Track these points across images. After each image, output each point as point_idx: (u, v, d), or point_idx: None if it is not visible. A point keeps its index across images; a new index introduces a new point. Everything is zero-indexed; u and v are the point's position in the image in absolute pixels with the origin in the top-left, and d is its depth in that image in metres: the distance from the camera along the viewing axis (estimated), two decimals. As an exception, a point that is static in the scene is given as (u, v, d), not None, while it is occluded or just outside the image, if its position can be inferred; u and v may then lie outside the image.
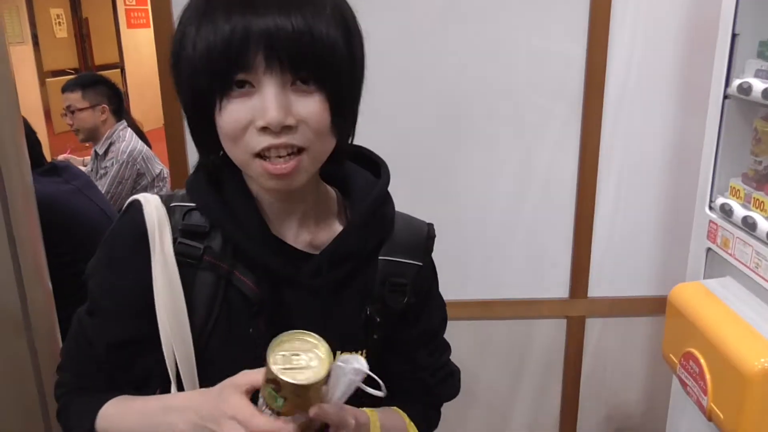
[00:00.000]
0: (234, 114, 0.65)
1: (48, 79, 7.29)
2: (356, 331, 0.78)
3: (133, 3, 9.11)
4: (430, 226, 0.85)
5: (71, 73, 7.75)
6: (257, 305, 0.73)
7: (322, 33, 0.63)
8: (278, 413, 0.62)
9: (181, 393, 0.74)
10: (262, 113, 0.64)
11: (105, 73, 8.10)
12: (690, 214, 1.51)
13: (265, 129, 0.64)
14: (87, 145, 2.90)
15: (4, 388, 1.44)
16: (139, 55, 9.06)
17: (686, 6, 1.60)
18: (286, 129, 0.65)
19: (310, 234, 0.78)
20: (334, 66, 0.65)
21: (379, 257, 0.79)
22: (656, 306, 1.72)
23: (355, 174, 0.81)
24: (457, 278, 1.76)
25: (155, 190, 2.83)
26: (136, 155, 2.73)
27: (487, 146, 1.69)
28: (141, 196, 0.75)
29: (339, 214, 0.81)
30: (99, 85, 2.75)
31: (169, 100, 1.63)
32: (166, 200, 0.75)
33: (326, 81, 0.66)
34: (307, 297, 0.75)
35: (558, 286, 1.81)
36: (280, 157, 0.66)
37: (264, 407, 0.62)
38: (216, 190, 0.74)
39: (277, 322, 0.70)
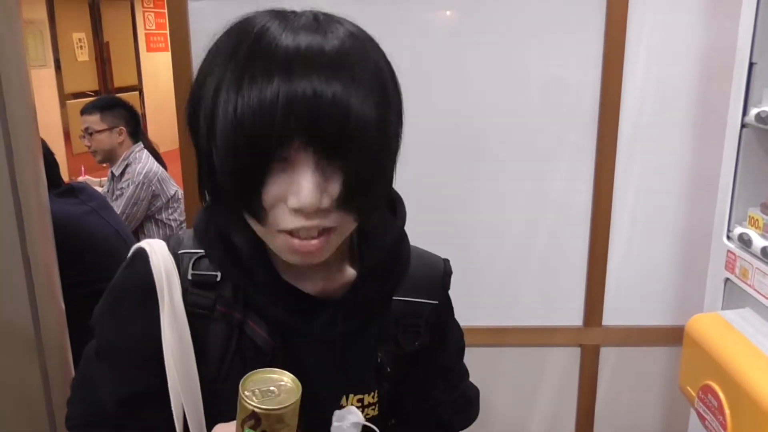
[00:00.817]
0: (265, 188, 0.59)
1: (68, 101, 7.42)
2: (369, 374, 0.75)
3: (153, 27, 9.31)
4: (446, 262, 0.82)
5: (91, 96, 7.89)
6: (270, 355, 0.70)
7: (358, 110, 0.57)
8: None
9: None
10: (296, 192, 0.59)
11: (124, 95, 8.23)
12: (707, 243, 1.49)
13: (297, 210, 0.60)
14: (104, 166, 2.94)
15: (14, 406, 1.44)
16: (157, 78, 9.22)
17: (702, 34, 1.60)
18: (319, 211, 0.60)
19: (322, 280, 0.73)
20: (364, 146, 0.59)
21: (394, 298, 0.76)
22: (673, 336, 1.69)
23: None
24: (469, 305, 1.73)
25: (170, 211, 2.85)
26: (151, 177, 2.76)
27: (500, 172, 1.69)
28: (146, 244, 0.72)
29: (352, 256, 0.77)
30: (117, 107, 2.80)
31: (184, 122, 1.64)
32: (173, 246, 0.72)
33: (356, 159, 0.59)
34: (320, 347, 0.73)
35: (572, 314, 1.78)
36: (309, 236, 0.62)
37: None
38: (225, 241, 0.70)
39: (291, 371, 0.65)
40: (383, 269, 0.74)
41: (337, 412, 0.63)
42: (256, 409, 0.58)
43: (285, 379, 0.62)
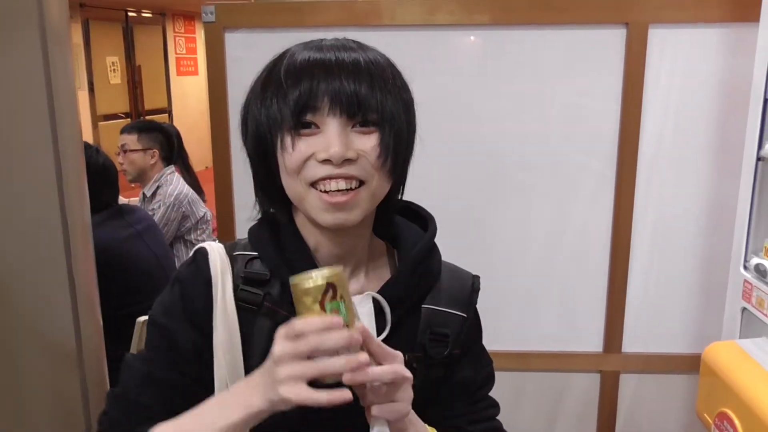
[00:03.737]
0: (298, 148, 0.71)
1: (101, 123, 7.65)
2: None
3: (183, 52, 9.57)
4: (476, 278, 0.88)
5: (122, 117, 8.12)
6: None
7: (381, 89, 0.72)
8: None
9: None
10: (325, 147, 0.70)
11: (153, 117, 8.48)
12: (725, 272, 1.52)
13: (326, 161, 0.70)
14: (132, 186, 3.05)
15: (54, 416, 1.50)
16: (186, 101, 9.45)
17: (719, 69, 1.65)
18: (346, 162, 0.71)
19: (359, 284, 0.82)
20: (390, 112, 0.73)
21: (423, 305, 0.82)
22: (692, 363, 1.70)
23: (404, 227, 0.86)
24: (490, 329, 1.75)
25: (198, 232, 2.95)
26: (182, 198, 2.86)
27: (521, 198, 1.74)
28: (207, 245, 0.80)
29: (388, 265, 0.85)
30: (155, 131, 2.91)
31: (218, 143, 1.72)
32: (229, 249, 0.81)
33: (384, 124, 0.72)
34: None
35: (592, 340, 1.81)
36: (339, 190, 0.71)
37: None
38: (276, 241, 0.80)
39: None
40: (414, 272, 0.81)
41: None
42: (329, 280, 0.64)
43: (318, 268, 0.68)
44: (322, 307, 0.64)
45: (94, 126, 7.65)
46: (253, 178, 0.80)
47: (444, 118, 1.69)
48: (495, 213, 1.75)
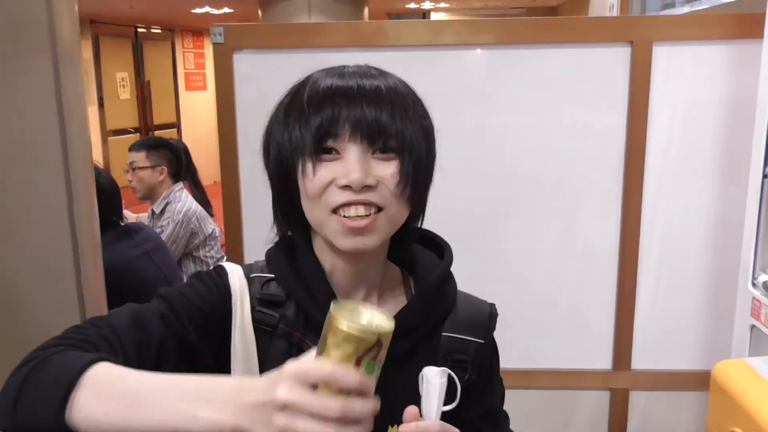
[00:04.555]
0: (319, 173, 0.73)
1: (110, 138, 7.72)
2: (417, 406, 0.80)
3: (192, 67, 9.66)
4: (492, 305, 0.90)
5: (132, 132, 8.20)
6: None
7: (402, 116, 0.74)
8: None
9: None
10: (346, 173, 0.71)
11: (162, 132, 8.55)
12: (734, 288, 1.52)
13: (346, 187, 0.71)
14: (139, 201, 3.07)
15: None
16: (194, 116, 9.52)
17: (724, 84, 1.65)
18: (366, 188, 0.72)
19: (375, 306, 0.82)
20: (410, 139, 0.74)
21: (442, 334, 0.83)
22: (702, 381, 1.69)
23: (420, 254, 0.87)
24: (498, 346, 1.78)
25: (207, 249, 2.96)
26: (191, 215, 2.88)
27: (528, 215, 1.74)
28: (226, 265, 0.81)
29: (402, 291, 0.86)
30: (163, 148, 2.94)
31: (227, 161, 1.74)
32: (246, 271, 0.82)
33: (404, 151, 0.74)
34: None
35: (601, 358, 1.80)
36: (358, 216, 0.72)
37: None
38: (292, 263, 0.81)
39: None
40: (430, 299, 0.83)
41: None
42: (381, 337, 0.53)
43: (366, 307, 0.58)
44: (358, 363, 0.54)
45: (104, 141, 7.73)
46: (273, 201, 0.81)
47: (450, 136, 1.69)
48: (502, 229, 1.75)
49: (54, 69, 1.39)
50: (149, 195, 2.96)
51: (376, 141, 0.73)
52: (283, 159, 0.76)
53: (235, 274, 0.80)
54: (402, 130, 0.73)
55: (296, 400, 0.54)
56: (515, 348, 1.80)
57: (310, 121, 0.73)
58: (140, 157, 2.90)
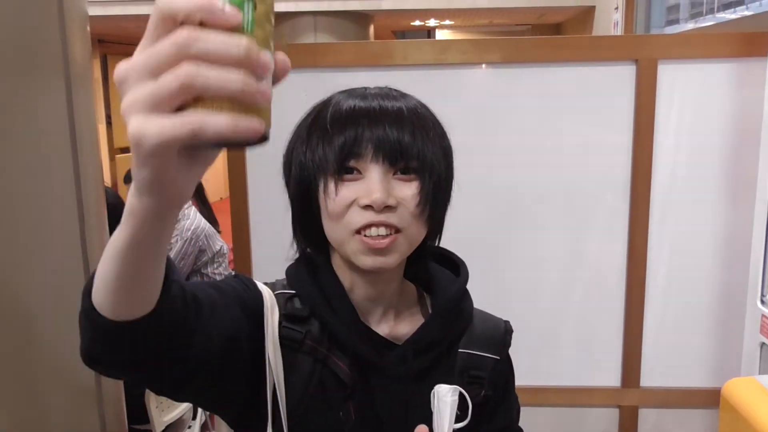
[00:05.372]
0: (341, 193, 0.73)
1: (117, 156, 7.78)
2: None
3: (199, 85, 9.74)
4: (507, 322, 0.90)
5: (139, 150, 8.26)
6: (351, 388, 0.77)
7: (423, 138, 0.75)
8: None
9: None
10: (368, 193, 0.72)
11: (169, 149, 8.61)
12: (742, 304, 1.52)
13: (368, 207, 0.72)
14: None
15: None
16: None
17: (729, 102, 1.66)
18: (386, 209, 0.73)
19: (389, 326, 0.83)
20: (431, 160, 0.75)
21: (459, 350, 0.84)
22: (712, 398, 1.69)
23: (436, 272, 0.88)
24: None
25: (215, 266, 2.97)
26: (199, 233, 2.89)
27: (536, 232, 1.75)
28: (255, 281, 0.81)
29: (419, 309, 0.87)
30: None
31: (235, 179, 1.75)
32: (269, 288, 0.82)
33: (424, 172, 0.75)
34: (390, 384, 0.80)
35: (609, 375, 1.80)
36: (379, 236, 0.73)
37: None
38: (314, 280, 0.81)
39: (364, 407, 0.75)
40: (447, 316, 0.83)
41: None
42: None
43: None
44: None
45: (111, 158, 7.79)
46: (293, 219, 0.82)
47: (457, 154, 1.70)
48: (509, 247, 1.76)
49: (67, 90, 1.42)
50: None
51: (398, 161, 0.74)
52: (305, 178, 0.77)
53: (265, 290, 0.80)
54: (423, 151, 0.74)
55: (129, 65, 0.41)
56: (523, 365, 1.77)
57: (333, 140, 0.74)
58: None
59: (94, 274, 0.56)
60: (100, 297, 0.55)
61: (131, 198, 0.47)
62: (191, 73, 0.38)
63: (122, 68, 0.41)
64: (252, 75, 0.39)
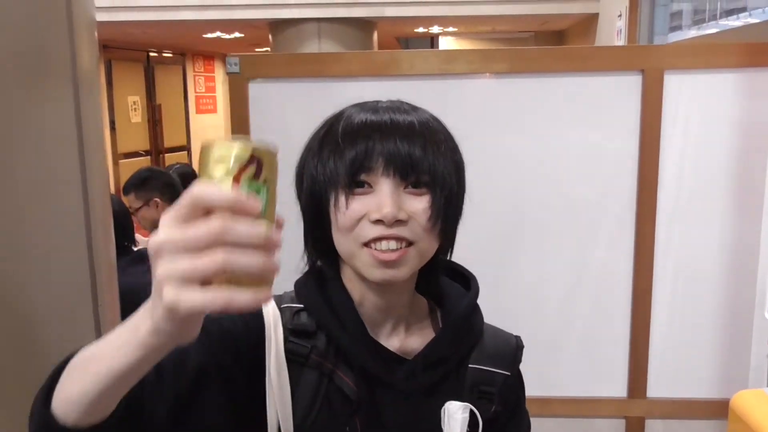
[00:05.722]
0: (352, 207, 0.73)
1: (121, 161, 7.79)
2: None
3: (203, 91, 9.76)
4: (518, 338, 0.90)
5: (143, 155, 8.27)
6: (356, 403, 0.77)
7: (434, 151, 0.75)
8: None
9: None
10: (378, 208, 0.72)
11: (173, 155, 8.61)
12: (750, 316, 1.51)
13: (378, 221, 0.72)
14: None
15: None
16: (205, 138, 9.59)
17: (735, 112, 1.66)
18: (397, 223, 0.72)
19: (400, 340, 0.83)
20: (442, 174, 0.75)
21: (469, 365, 0.83)
22: (719, 409, 1.68)
23: (447, 286, 0.87)
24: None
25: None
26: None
27: (541, 242, 1.75)
28: None
29: (429, 323, 0.86)
30: (147, 181, 2.80)
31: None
32: (276, 301, 0.82)
33: (435, 186, 0.75)
34: (399, 399, 0.80)
35: (616, 385, 1.79)
36: (390, 249, 0.73)
37: None
38: (322, 293, 0.81)
39: (371, 422, 0.75)
40: (458, 331, 0.83)
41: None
42: (255, 153, 0.47)
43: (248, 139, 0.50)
44: (237, 183, 0.47)
45: (115, 164, 7.80)
46: (304, 232, 0.82)
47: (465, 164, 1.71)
48: (515, 257, 1.75)
49: (74, 96, 1.42)
50: (157, 228, 2.93)
51: (409, 175, 0.74)
52: (316, 191, 0.77)
53: (267, 305, 0.80)
54: (434, 165, 0.74)
55: (164, 238, 0.48)
56: (529, 375, 1.77)
57: (344, 154, 0.74)
58: (132, 199, 2.83)
59: (53, 380, 0.58)
60: (67, 408, 0.57)
61: (145, 335, 0.52)
62: (226, 258, 0.46)
63: (157, 241, 0.48)
64: (268, 254, 0.47)
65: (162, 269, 0.48)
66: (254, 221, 0.47)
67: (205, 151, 0.49)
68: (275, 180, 0.50)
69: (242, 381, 0.75)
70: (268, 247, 0.47)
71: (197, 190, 0.47)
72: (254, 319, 0.78)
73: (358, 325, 0.79)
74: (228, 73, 1.73)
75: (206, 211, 0.47)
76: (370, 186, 0.74)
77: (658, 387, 1.78)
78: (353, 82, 1.69)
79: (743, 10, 4.28)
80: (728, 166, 1.68)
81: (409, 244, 0.74)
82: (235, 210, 0.47)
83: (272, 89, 1.73)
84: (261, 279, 0.47)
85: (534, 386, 1.78)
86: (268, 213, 0.49)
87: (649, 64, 1.64)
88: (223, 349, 0.73)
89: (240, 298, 0.47)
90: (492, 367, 0.84)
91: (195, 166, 3.32)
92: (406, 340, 0.83)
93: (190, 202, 0.47)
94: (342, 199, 0.74)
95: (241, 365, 0.75)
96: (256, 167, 0.48)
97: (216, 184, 0.47)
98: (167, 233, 0.48)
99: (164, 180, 2.92)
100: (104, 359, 0.55)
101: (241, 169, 0.47)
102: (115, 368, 0.53)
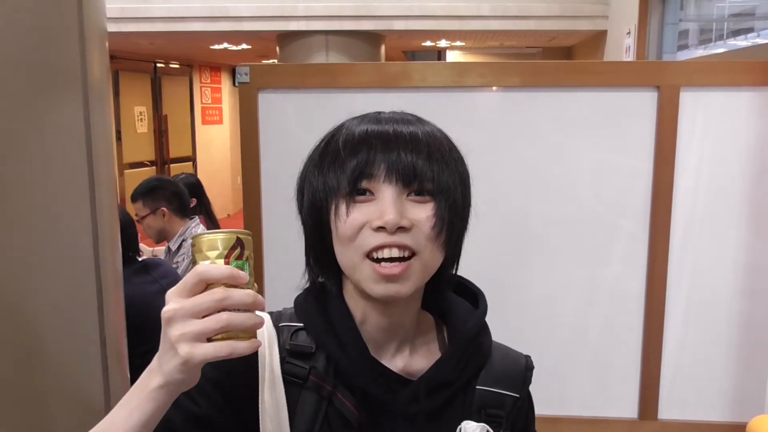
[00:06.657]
0: (353, 215, 0.71)
1: (126, 171, 7.80)
2: None
3: (209, 102, 9.80)
4: (528, 357, 0.87)
5: (148, 166, 8.28)
6: (357, 428, 0.75)
7: (438, 160, 0.73)
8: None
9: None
10: (380, 215, 0.70)
11: (178, 165, 8.63)
12: (766, 336, 1.48)
13: (380, 229, 0.70)
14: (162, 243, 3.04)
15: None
16: (210, 149, 9.63)
17: (751, 130, 1.64)
18: (400, 230, 0.70)
19: (404, 360, 0.79)
20: (446, 183, 0.73)
21: (477, 387, 0.80)
22: (733, 433, 1.65)
23: (454, 303, 0.84)
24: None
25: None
26: (205, 250, 2.86)
27: (552, 259, 1.72)
28: None
29: (435, 341, 0.83)
30: (155, 190, 2.84)
31: (250, 200, 1.73)
32: (275, 319, 0.80)
33: (439, 195, 0.72)
34: (402, 423, 0.77)
35: (626, 406, 1.75)
36: (392, 260, 0.70)
37: None
38: (322, 312, 0.78)
39: None
40: (465, 352, 0.80)
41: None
42: (239, 236, 0.63)
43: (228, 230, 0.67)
44: (227, 262, 0.63)
45: (120, 174, 7.81)
46: (306, 247, 0.79)
47: (474, 178, 1.69)
48: (525, 273, 1.73)
49: (84, 106, 1.41)
50: (162, 237, 2.93)
51: (412, 183, 0.72)
52: (317, 202, 0.75)
53: (264, 326, 0.78)
54: (438, 173, 0.72)
55: (174, 307, 0.61)
56: (538, 394, 1.74)
57: (345, 163, 0.72)
58: (139, 207, 2.86)
59: None
60: None
61: (156, 389, 0.63)
62: (228, 319, 0.61)
63: (170, 310, 0.61)
64: (255, 312, 0.63)
65: (176, 331, 0.60)
66: (244, 290, 0.62)
67: (198, 240, 0.64)
68: (252, 256, 0.65)
69: (233, 420, 0.74)
70: (255, 307, 0.62)
71: (201, 269, 0.62)
72: (239, 374, 0.75)
73: (358, 345, 0.76)
74: (238, 83, 1.72)
75: (206, 285, 0.62)
76: (372, 194, 0.72)
77: (670, 409, 1.74)
78: (364, 94, 1.67)
79: (751, 30, 4.27)
80: (743, 185, 1.66)
81: (412, 254, 0.71)
82: (230, 282, 0.61)
83: (282, 99, 1.71)
84: (252, 331, 0.63)
85: (543, 405, 1.74)
86: (251, 282, 0.64)
87: (664, 80, 1.62)
88: (201, 399, 0.74)
89: (239, 347, 0.61)
90: (501, 389, 0.81)
91: (200, 176, 3.32)
92: (410, 360, 0.80)
93: (198, 279, 0.61)
94: (343, 207, 0.72)
95: (230, 407, 0.74)
96: (240, 249, 0.63)
97: (212, 264, 0.63)
98: (178, 303, 0.61)
99: (172, 190, 2.92)
100: (119, 422, 0.64)
101: (229, 252, 0.63)
102: (134, 421, 0.63)
